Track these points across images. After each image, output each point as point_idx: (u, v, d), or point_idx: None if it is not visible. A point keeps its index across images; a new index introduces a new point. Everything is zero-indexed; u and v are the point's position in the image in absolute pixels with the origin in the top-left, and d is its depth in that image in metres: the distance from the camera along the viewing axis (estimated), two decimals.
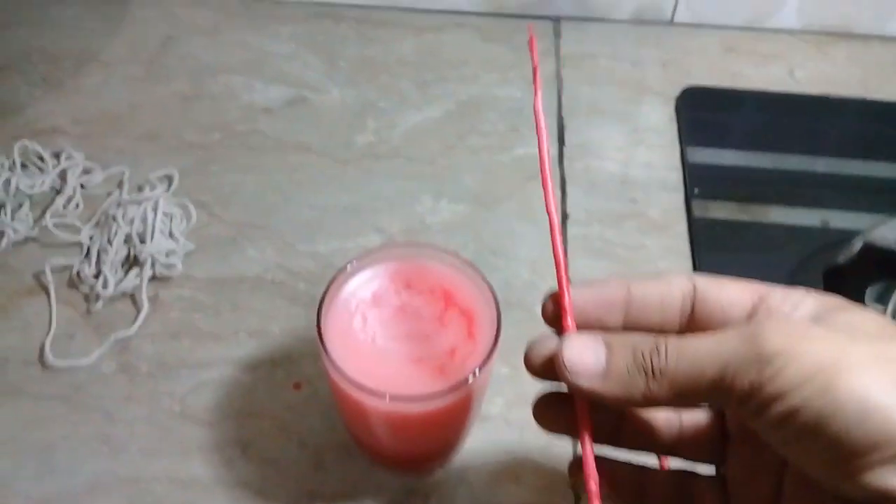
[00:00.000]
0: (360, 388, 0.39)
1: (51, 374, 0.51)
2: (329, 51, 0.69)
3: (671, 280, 0.33)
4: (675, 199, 0.60)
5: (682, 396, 0.30)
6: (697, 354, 0.29)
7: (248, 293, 0.54)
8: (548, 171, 0.36)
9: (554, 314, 0.34)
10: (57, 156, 0.60)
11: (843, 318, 0.30)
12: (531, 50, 0.36)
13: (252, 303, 0.54)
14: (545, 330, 0.36)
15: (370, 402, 0.40)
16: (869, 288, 0.52)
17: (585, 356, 0.31)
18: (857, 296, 0.51)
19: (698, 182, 0.60)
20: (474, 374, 0.39)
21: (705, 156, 0.63)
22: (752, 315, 0.31)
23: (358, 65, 0.68)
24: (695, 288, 0.33)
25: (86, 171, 0.59)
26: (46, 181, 0.58)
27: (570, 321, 0.34)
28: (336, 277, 0.42)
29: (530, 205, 0.59)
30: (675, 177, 0.61)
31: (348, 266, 0.43)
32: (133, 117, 0.63)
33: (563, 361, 0.32)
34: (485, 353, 0.40)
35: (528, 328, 0.53)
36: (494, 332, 0.41)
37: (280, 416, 0.49)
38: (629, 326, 0.33)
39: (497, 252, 0.57)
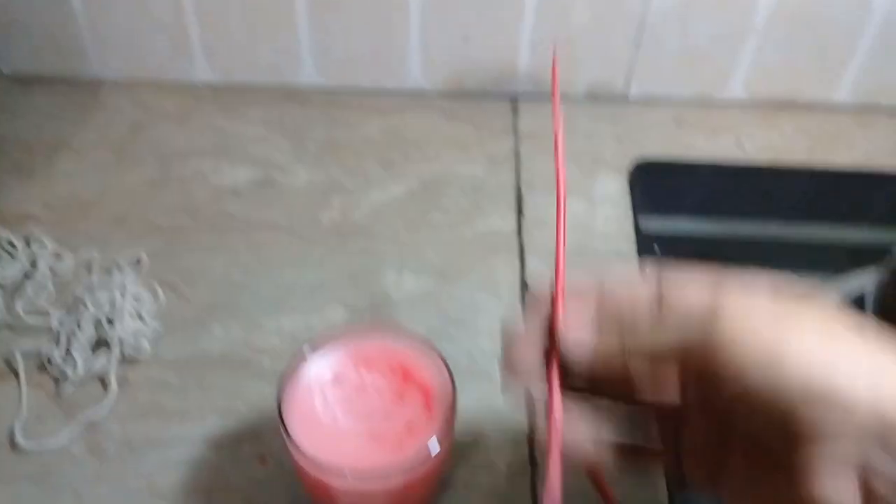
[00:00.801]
0: (322, 468, 0.40)
1: (21, 456, 0.51)
2: (297, 133, 0.71)
3: (638, 283, 0.35)
4: (630, 266, 0.62)
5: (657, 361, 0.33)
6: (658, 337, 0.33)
7: (214, 371, 0.55)
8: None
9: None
10: (28, 242, 0.61)
11: (795, 303, 0.32)
12: (553, 74, 0.41)
13: (218, 381, 0.55)
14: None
15: (333, 481, 0.41)
16: None
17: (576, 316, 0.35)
18: None
19: (650, 250, 0.63)
20: (434, 447, 0.41)
21: (658, 226, 0.65)
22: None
23: (324, 146, 0.70)
24: (661, 294, 0.35)
25: (56, 256, 0.61)
26: (17, 268, 0.59)
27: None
28: (296, 358, 0.44)
29: (492, 277, 0.61)
30: (629, 246, 0.64)
31: (305, 347, 0.44)
32: (103, 202, 0.65)
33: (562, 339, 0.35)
34: (442, 427, 0.42)
35: (491, 398, 0.55)
36: (450, 406, 0.42)
37: (246, 491, 0.50)
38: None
39: (459, 324, 0.59)
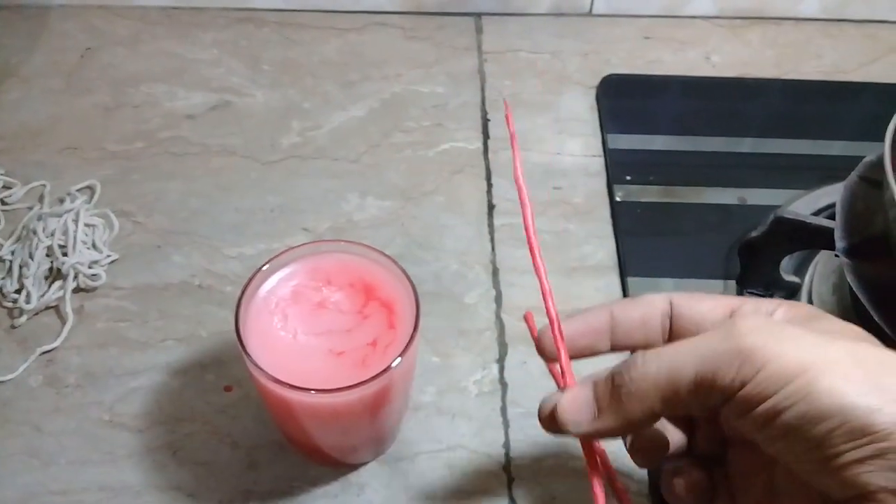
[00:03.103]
0: (284, 385, 0.39)
1: None
2: (252, 55, 0.69)
3: (650, 300, 0.35)
4: (598, 184, 0.61)
5: (668, 401, 0.30)
6: (675, 355, 0.30)
7: (174, 299, 0.54)
8: (534, 239, 0.39)
9: (550, 355, 0.36)
10: None
11: (816, 323, 0.31)
12: (508, 121, 0.39)
13: (179, 309, 0.54)
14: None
15: (296, 398, 0.40)
16: (785, 260, 0.53)
17: (575, 403, 0.33)
18: (771, 268, 0.53)
19: (620, 167, 0.62)
20: (397, 361, 0.40)
21: (626, 141, 0.64)
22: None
23: (281, 67, 0.68)
24: (671, 304, 0.34)
25: (6, 187, 0.59)
26: None
27: (569, 378, 0.35)
28: (254, 276, 0.43)
29: (456, 198, 0.60)
30: (598, 163, 0.62)
31: (265, 265, 0.43)
32: (53, 130, 0.63)
33: (561, 420, 0.33)
34: (405, 341, 0.41)
35: (458, 318, 0.54)
36: (414, 321, 0.42)
37: (211, 419, 0.49)
38: (617, 348, 0.35)
39: (424, 245, 0.58)
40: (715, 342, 0.29)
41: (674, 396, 0.30)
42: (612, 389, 0.31)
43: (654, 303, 0.35)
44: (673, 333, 0.34)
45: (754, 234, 0.52)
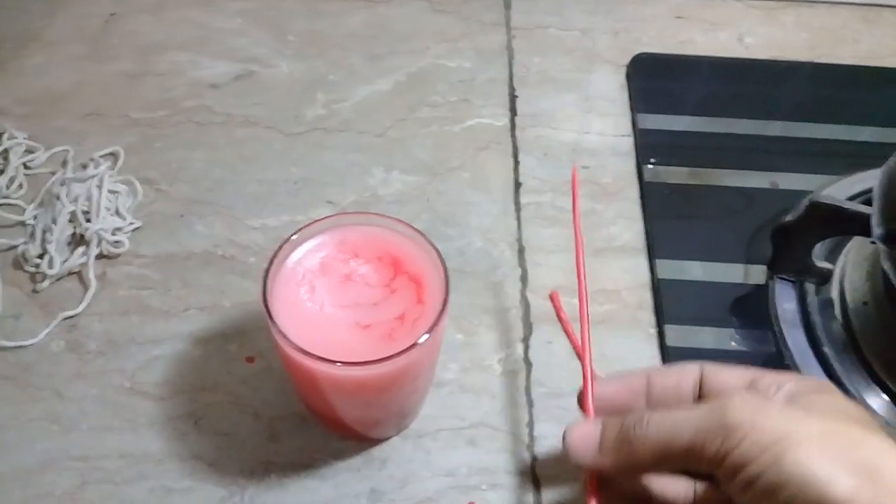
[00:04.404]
0: (310, 356, 0.39)
1: None
2: (277, 25, 0.68)
3: (684, 368, 0.39)
4: (627, 164, 0.60)
5: (663, 459, 0.34)
6: (675, 423, 0.34)
7: (197, 269, 0.53)
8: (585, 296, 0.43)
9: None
10: None
11: (812, 398, 0.35)
12: (573, 185, 0.44)
13: (202, 278, 0.53)
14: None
15: (321, 370, 0.39)
16: (817, 247, 0.52)
17: (583, 438, 0.37)
18: (804, 254, 0.52)
19: (649, 148, 0.61)
20: (425, 337, 0.39)
21: (656, 122, 0.63)
22: None
23: (306, 39, 0.67)
24: (702, 373, 0.38)
25: (29, 151, 0.58)
26: None
27: (590, 410, 0.39)
28: (282, 247, 0.42)
29: (482, 174, 0.59)
30: (627, 143, 0.61)
31: (294, 235, 0.42)
32: (77, 96, 0.62)
33: (566, 448, 0.37)
34: (435, 317, 0.40)
35: (483, 296, 0.53)
36: (443, 296, 0.41)
37: (233, 390, 0.49)
38: (651, 407, 0.38)
39: (449, 222, 0.57)
40: (707, 416, 0.33)
41: (666, 458, 0.34)
42: (617, 435, 0.36)
43: (688, 371, 0.38)
44: (702, 399, 0.38)
45: (788, 218, 0.50)
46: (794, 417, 0.32)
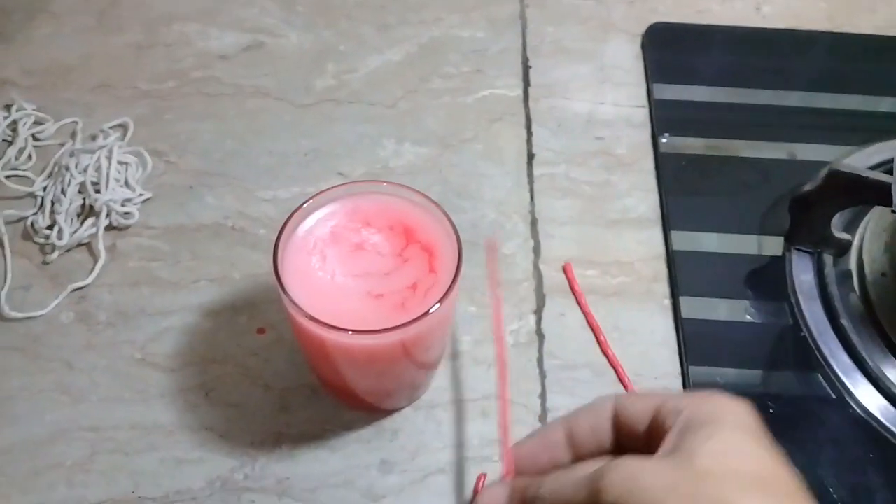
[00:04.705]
0: (321, 324, 0.38)
1: (7, 325, 0.49)
2: None
3: (597, 407, 0.37)
4: (642, 135, 0.59)
5: None
6: (561, 488, 0.33)
7: (207, 240, 0.53)
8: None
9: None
10: (7, 108, 0.58)
11: (700, 432, 0.32)
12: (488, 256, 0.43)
13: (212, 250, 0.53)
14: None
15: (332, 339, 0.39)
16: (836, 217, 0.51)
17: (492, 502, 0.36)
18: (822, 224, 0.51)
19: (665, 118, 0.60)
20: (436, 307, 0.39)
21: (672, 92, 0.62)
22: (649, 427, 0.34)
23: (316, 9, 0.66)
24: (615, 408, 0.36)
25: (38, 123, 0.58)
26: None
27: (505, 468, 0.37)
28: (293, 215, 0.41)
29: (495, 145, 0.59)
30: (642, 114, 0.61)
31: (305, 204, 0.42)
32: (85, 68, 0.62)
33: None
34: (447, 286, 0.40)
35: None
36: (455, 265, 0.40)
37: (243, 361, 0.48)
38: (578, 458, 0.36)
39: (462, 194, 0.56)
40: (587, 486, 0.32)
41: None
42: (521, 500, 0.35)
43: (601, 409, 0.36)
44: (618, 435, 0.36)
45: (807, 187, 0.50)
46: (664, 481, 0.31)
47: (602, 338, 0.50)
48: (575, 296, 0.52)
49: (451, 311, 0.43)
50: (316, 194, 0.42)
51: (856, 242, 0.53)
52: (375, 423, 0.47)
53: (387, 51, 0.64)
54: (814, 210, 0.50)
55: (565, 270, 0.53)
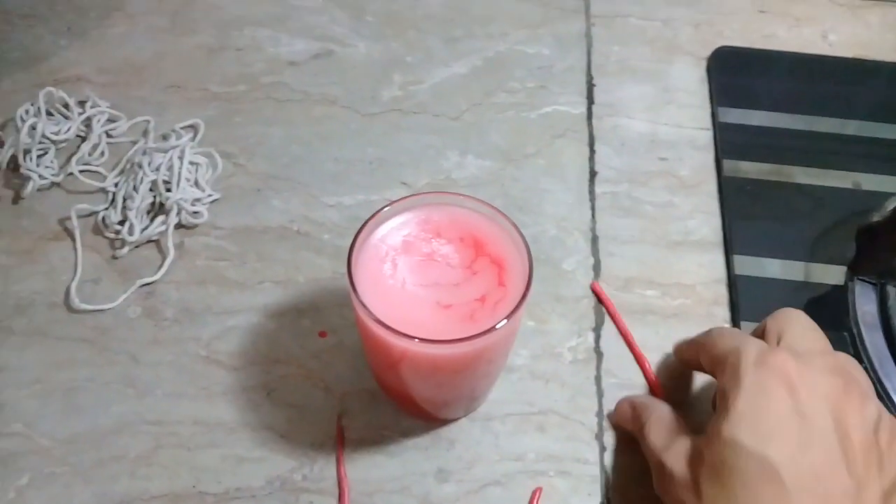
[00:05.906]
0: (390, 330, 0.39)
1: (76, 317, 0.51)
2: (356, 5, 0.68)
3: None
4: (706, 158, 0.59)
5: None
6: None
7: (273, 243, 0.54)
8: None
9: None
10: (82, 104, 0.59)
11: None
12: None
13: (277, 253, 0.54)
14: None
15: (399, 346, 0.40)
16: None
17: (622, 412, 0.47)
18: (887, 256, 0.50)
19: (729, 142, 0.60)
20: (502, 322, 0.39)
21: (736, 116, 0.62)
22: None
23: (385, 19, 0.67)
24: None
25: (111, 120, 0.59)
26: (72, 128, 0.57)
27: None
28: (368, 222, 0.42)
29: (558, 161, 0.59)
30: (706, 136, 0.61)
31: (381, 211, 0.42)
32: (157, 68, 0.63)
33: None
34: (516, 300, 0.40)
35: (555, 284, 0.53)
36: (526, 280, 0.41)
37: (305, 363, 0.49)
38: None
39: (523, 208, 0.56)
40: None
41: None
42: (633, 415, 0.46)
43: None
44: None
45: (875, 218, 0.49)
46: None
47: (646, 365, 0.50)
48: (610, 315, 0.52)
49: (517, 325, 0.43)
50: (390, 203, 0.43)
51: None
52: (433, 432, 0.47)
53: (453, 63, 0.64)
54: (880, 241, 0.50)
55: (593, 289, 0.53)
